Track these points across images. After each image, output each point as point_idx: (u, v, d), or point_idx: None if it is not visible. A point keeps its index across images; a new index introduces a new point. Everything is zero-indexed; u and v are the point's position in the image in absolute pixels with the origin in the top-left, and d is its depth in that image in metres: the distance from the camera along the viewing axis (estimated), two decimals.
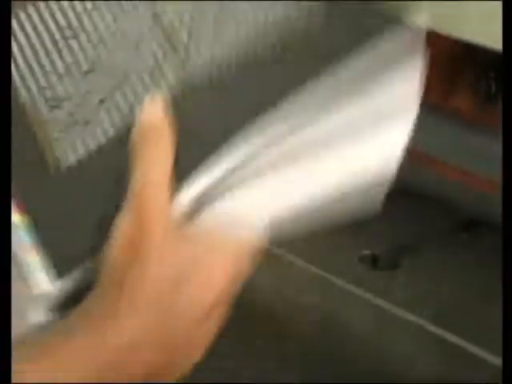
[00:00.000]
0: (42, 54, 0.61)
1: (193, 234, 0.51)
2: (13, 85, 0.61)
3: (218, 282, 0.50)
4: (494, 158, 0.96)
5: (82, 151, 0.57)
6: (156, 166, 0.51)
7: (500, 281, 0.88)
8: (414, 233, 0.77)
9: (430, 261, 0.75)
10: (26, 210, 0.58)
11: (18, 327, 0.53)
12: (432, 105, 0.91)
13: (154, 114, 0.53)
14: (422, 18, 0.75)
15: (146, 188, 0.50)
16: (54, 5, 0.60)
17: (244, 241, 0.52)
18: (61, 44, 0.61)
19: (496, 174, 0.96)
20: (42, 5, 0.59)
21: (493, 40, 0.84)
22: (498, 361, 0.88)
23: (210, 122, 0.56)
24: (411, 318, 0.80)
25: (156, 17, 0.60)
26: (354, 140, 0.57)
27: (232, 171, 0.53)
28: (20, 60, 0.61)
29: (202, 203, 0.53)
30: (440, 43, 0.90)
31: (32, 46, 0.61)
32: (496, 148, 0.96)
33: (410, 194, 0.78)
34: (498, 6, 0.80)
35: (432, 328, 0.87)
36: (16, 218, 0.57)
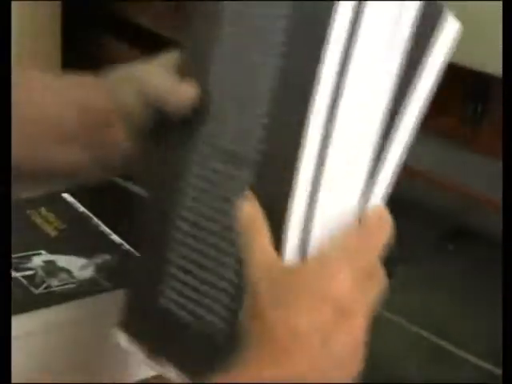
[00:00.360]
0: None
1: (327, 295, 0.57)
2: None
3: (360, 341, 0.56)
4: (480, 173, 0.98)
5: None
6: (259, 243, 0.61)
7: (484, 287, 0.92)
8: (405, 244, 0.78)
9: (421, 270, 0.75)
10: None
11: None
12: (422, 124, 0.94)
13: (250, 212, 0.64)
14: None
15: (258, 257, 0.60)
16: None
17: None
18: None
19: (481, 187, 0.99)
20: None
21: (477, 62, 0.86)
22: (483, 363, 0.90)
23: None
24: (405, 324, 0.82)
25: None
26: None
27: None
28: None
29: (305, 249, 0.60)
30: None
31: None
32: (481, 163, 0.98)
33: (399, 206, 0.80)
34: (483, 28, 0.82)
35: (424, 333, 0.90)
36: None
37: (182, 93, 0.69)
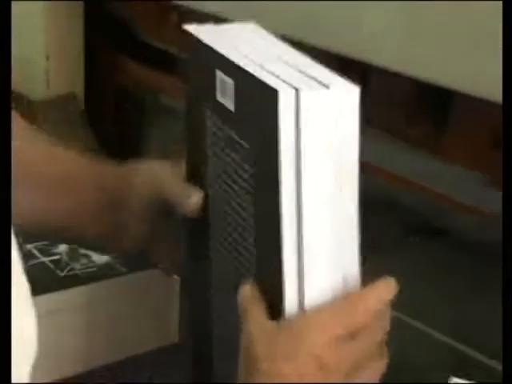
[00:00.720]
0: None
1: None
2: None
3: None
4: (442, 177, 1.02)
5: None
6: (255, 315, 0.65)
7: (445, 274, 0.95)
8: (373, 237, 0.83)
9: (389, 259, 0.78)
10: None
11: None
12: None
13: (248, 291, 0.68)
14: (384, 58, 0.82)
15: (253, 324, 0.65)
16: None
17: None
18: None
19: (442, 189, 1.02)
20: None
21: (445, 80, 0.93)
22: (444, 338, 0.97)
23: None
24: None
25: None
26: None
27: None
28: None
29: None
30: (399, 82, 0.95)
31: None
32: (443, 169, 1.02)
33: (372, 205, 0.84)
34: (454, 48, 0.86)
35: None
36: None
37: (190, 198, 0.76)
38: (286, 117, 0.62)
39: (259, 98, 0.64)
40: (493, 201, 0.99)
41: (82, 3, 1.23)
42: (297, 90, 0.61)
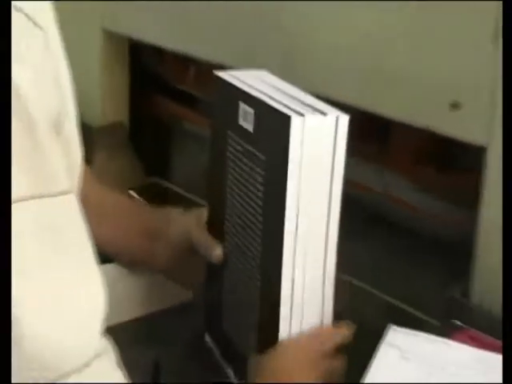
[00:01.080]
0: None
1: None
2: None
3: None
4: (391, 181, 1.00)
5: None
6: None
7: (392, 259, 0.95)
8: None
9: (348, 244, 0.76)
10: None
11: None
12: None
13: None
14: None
15: None
16: None
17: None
18: None
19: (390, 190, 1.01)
20: None
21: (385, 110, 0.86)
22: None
23: None
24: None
25: None
26: None
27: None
28: None
29: None
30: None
31: None
32: (391, 176, 0.99)
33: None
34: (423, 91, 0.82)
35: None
36: None
37: (215, 251, 0.81)
38: (296, 135, 0.63)
39: (274, 122, 0.65)
40: (421, 201, 0.98)
41: (128, 57, 1.25)
42: (303, 115, 0.63)
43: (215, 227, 0.81)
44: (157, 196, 1.16)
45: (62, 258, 0.51)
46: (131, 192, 1.06)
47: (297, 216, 0.66)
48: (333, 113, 0.65)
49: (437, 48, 0.82)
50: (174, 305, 0.94)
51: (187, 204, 0.99)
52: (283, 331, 0.71)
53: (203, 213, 0.83)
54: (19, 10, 0.48)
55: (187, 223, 0.83)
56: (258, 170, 0.69)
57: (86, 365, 0.53)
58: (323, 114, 0.65)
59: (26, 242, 0.48)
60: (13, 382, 0.48)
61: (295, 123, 0.63)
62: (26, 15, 0.49)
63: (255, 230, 0.72)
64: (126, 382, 0.59)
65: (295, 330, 0.71)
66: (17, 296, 0.47)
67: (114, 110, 1.26)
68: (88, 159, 0.67)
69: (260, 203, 0.70)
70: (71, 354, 0.52)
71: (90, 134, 0.63)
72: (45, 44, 0.51)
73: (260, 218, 0.71)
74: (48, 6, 0.55)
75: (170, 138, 1.29)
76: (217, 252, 0.79)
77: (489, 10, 0.75)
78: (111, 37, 1.21)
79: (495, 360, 0.72)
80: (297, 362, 0.71)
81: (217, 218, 0.80)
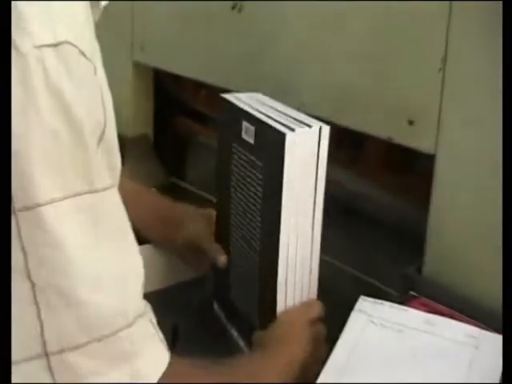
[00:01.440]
0: None
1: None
2: None
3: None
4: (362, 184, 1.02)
5: None
6: None
7: (361, 243, 0.97)
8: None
9: (327, 231, 0.78)
10: None
11: None
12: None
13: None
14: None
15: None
16: None
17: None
18: None
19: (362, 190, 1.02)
20: None
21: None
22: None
23: None
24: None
25: None
26: None
27: None
28: None
29: None
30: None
31: None
32: (362, 181, 1.02)
33: None
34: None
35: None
36: None
37: (221, 257, 0.82)
38: (289, 147, 0.66)
39: (271, 137, 0.68)
40: (384, 197, 0.99)
41: (152, 83, 1.27)
42: (294, 130, 0.67)
43: (223, 220, 0.83)
44: (176, 193, 1.16)
45: (111, 238, 0.55)
46: (155, 190, 1.09)
47: (290, 208, 0.68)
48: (317, 124, 0.68)
49: (395, 72, 0.85)
50: (188, 279, 0.95)
51: (200, 200, 1.05)
52: (280, 301, 0.73)
53: (212, 212, 0.85)
54: (75, 46, 0.52)
55: (198, 227, 0.85)
56: (258, 174, 0.71)
57: (129, 325, 0.55)
58: (309, 126, 0.68)
59: (84, 228, 0.52)
60: (74, 342, 0.52)
61: (289, 138, 0.66)
62: (80, 51, 0.53)
63: (255, 222, 0.74)
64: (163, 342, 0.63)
65: (289, 301, 0.73)
66: (77, 271, 0.51)
67: (142, 125, 1.29)
68: (121, 163, 0.68)
69: (259, 200, 0.72)
70: (120, 314, 0.54)
71: (123, 144, 0.60)
72: (93, 72, 0.55)
73: (259, 212, 0.73)
74: (97, 45, 0.59)
75: (187, 147, 1.31)
76: (222, 259, 0.81)
77: (438, 41, 0.78)
78: (139, 67, 1.25)
79: (442, 322, 0.76)
80: (292, 329, 0.74)
81: (224, 212, 0.82)
